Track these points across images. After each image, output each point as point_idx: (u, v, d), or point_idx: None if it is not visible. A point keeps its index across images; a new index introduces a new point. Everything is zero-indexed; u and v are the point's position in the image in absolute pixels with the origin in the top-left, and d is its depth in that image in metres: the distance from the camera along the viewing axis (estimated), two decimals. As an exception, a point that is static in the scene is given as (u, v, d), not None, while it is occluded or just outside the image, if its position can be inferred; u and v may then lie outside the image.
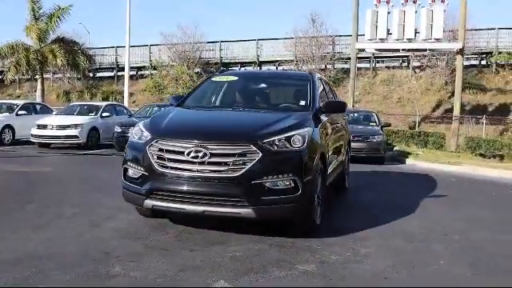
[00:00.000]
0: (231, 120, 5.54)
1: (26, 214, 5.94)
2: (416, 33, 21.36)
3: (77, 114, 15.80)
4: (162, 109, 14.22)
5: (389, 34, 21.83)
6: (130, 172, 5.19)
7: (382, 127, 14.53)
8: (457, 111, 20.94)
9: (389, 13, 21.56)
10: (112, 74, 33.33)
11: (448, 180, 10.29)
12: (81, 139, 14.51)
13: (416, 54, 26.63)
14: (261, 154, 4.70)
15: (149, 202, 4.99)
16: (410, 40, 21.49)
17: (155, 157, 4.95)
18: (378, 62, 30.26)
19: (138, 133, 5.31)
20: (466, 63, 28.47)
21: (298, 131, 4.99)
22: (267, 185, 4.73)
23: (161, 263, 4.18)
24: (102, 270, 3.97)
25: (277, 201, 4.76)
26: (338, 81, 28.90)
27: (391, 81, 28.61)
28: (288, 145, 4.86)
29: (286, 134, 4.90)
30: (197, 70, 30.04)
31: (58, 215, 5.87)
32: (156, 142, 4.98)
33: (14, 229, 5.16)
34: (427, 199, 7.62)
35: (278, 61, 29.90)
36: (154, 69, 31.17)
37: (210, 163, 4.74)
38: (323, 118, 5.91)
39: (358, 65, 30.82)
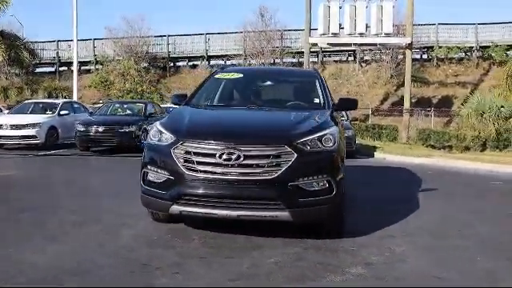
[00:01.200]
0: (259, 120, 5.37)
1: (27, 224, 5.50)
2: (367, 27, 21.84)
3: (31, 113, 14.88)
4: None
5: (341, 28, 22.19)
6: (152, 176, 4.92)
7: (350, 121, 14.74)
8: (407, 104, 21.61)
9: (340, 7, 21.85)
10: (53, 69, 31.85)
11: (426, 173, 10.58)
12: (39, 139, 13.69)
13: (364, 48, 27.27)
14: (296, 155, 4.59)
15: (176, 208, 4.74)
16: (361, 35, 21.92)
17: (181, 160, 4.71)
18: (325, 55, 30.73)
19: (157, 134, 5.05)
20: (414, 56, 29.54)
21: (327, 131, 4.91)
22: (303, 186, 4.63)
23: (209, 273, 3.99)
24: (153, 284, 3.73)
25: (313, 202, 4.66)
26: (287, 75, 29.06)
27: (339, 75, 29.13)
28: (320, 145, 4.78)
29: (318, 134, 4.81)
30: (144, 64, 29.29)
31: (63, 223, 5.48)
32: (181, 144, 4.74)
33: (26, 242, 4.76)
34: (421, 194, 7.77)
35: (227, 55, 29.68)
36: (99, 64, 30.06)
37: (243, 165, 4.57)
38: (336, 115, 5.87)
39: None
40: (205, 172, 4.63)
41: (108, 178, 9.27)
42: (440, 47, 28.56)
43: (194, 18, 54.49)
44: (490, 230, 5.78)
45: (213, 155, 4.61)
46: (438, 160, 13.26)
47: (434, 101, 26.41)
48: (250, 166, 4.57)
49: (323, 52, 29.84)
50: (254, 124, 5.25)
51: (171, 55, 30.12)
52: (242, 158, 4.55)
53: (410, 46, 21.94)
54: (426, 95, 26.85)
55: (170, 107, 14.13)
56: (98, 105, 20.20)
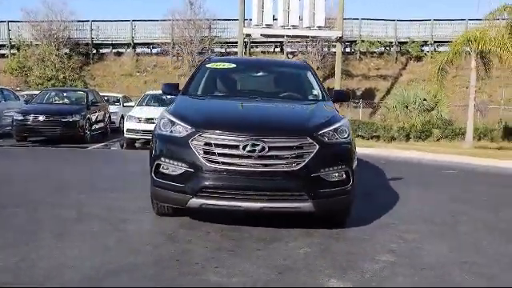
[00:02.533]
0: (275, 112, 5.33)
1: (24, 221, 5.09)
2: (300, 20, 22.25)
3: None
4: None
5: (274, 19, 22.42)
6: (166, 169, 4.76)
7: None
8: (338, 96, 22.35)
9: (274, -1, 22.10)
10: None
11: (380, 162, 11.02)
12: (-32, 129, 12.64)
13: (292, 40, 27.74)
14: (318, 147, 4.63)
15: (196, 201, 4.62)
16: (294, 27, 22.28)
17: (201, 151, 4.59)
18: (252, 46, 30.89)
19: (168, 125, 4.88)
20: (334, 50, 30.47)
21: (341, 122, 5.00)
22: (324, 177, 4.69)
23: (249, 266, 3.94)
24: (202, 280, 3.62)
25: (333, 193, 4.74)
26: (216, 65, 28.93)
27: (267, 66, 29.39)
28: (337, 136, 4.85)
29: (334, 126, 4.88)
30: (66, 50, 27.79)
31: (63, 220, 5.14)
32: (200, 135, 4.62)
33: (36, 240, 4.40)
34: (392, 182, 8.11)
35: (154, 43, 28.97)
36: (15, 48, 28.09)
37: (267, 157, 4.54)
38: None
39: (234, 49, 31.26)
40: (227, 164, 4.55)
41: (74, 170, 8.79)
42: (363, 41, 29.72)
43: (119, 3, 52.11)
44: (480, 215, 6.15)
45: (236, 147, 4.54)
46: (381, 150, 13.88)
47: (358, 93, 27.51)
48: (274, 157, 4.56)
49: (251, 43, 29.97)
50: (272, 115, 5.21)
51: (95, 41, 28.80)
52: (266, 150, 4.52)
53: (340, 40, 22.69)
54: (351, 87, 27.86)
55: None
56: (23, 92, 18.95)
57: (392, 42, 29.95)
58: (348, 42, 30.50)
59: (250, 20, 23.14)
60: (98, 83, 27.06)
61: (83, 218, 5.28)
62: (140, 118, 12.99)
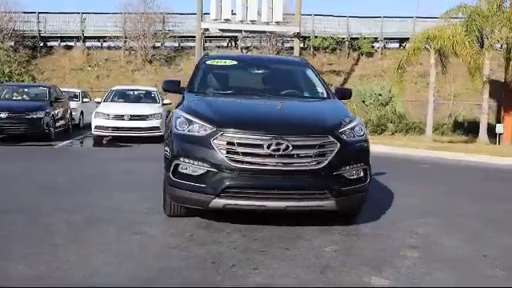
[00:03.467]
0: (294, 110, 5.32)
1: (23, 228, 4.81)
2: (258, 15, 22.28)
3: None
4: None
5: (233, 14, 22.33)
6: (186, 169, 4.65)
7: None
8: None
9: (232, -7, 22.01)
10: None
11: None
12: None
13: (247, 35, 27.72)
14: (339, 145, 4.67)
15: (219, 202, 4.54)
16: (253, 22, 22.31)
17: (224, 151, 4.52)
18: (206, 41, 30.59)
19: (185, 123, 4.76)
20: (287, 45, 30.75)
21: (357, 121, 5.07)
22: (345, 175, 4.74)
23: (287, 266, 3.92)
24: (249, 282, 3.57)
25: (353, 190, 4.80)
26: (170, 59, 28.55)
27: (222, 60, 29.22)
28: (354, 134, 4.90)
29: (351, 124, 4.94)
30: (11, 43, 26.47)
31: (71, 224, 4.91)
32: (222, 134, 4.54)
33: (54, 248, 4.18)
34: (377, 177, 8.27)
35: (105, 37, 28.09)
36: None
37: (291, 156, 4.54)
38: None
39: (188, 44, 30.92)
40: (251, 163, 4.51)
41: (54, 170, 8.41)
42: (316, 37, 30.08)
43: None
44: (474, 208, 6.37)
45: (260, 146, 4.50)
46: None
47: (313, 88, 27.83)
48: (297, 156, 4.55)
49: (205, 37, 29.67)
50: (292, 114, 5.18)
51: (42, 34, 27.52)
52: (290, 148, 4.50)
53: (298, 35, 22.90)
54: (305, 82, 28.21)
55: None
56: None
57: (344, 38, 30.49)
58: (302, 37, 30.80)
59: (208, 14, 22.94)
60: (47, 78, 25.96)
61: (92, 221, 5.05)
62: (109, 115, 12.60)
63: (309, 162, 4.56)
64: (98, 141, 13.17)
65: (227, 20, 22.10)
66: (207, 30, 23.67)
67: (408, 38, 30.47)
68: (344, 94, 6.19)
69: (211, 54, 7.22)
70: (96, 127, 12.73)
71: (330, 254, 4.28)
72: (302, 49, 30.75)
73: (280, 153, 4.48)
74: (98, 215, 5.27)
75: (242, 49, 30.12)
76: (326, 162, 4.58)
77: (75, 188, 6.74)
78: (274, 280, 3.63)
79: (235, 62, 6.37)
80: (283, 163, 4.52)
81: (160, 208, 5.44)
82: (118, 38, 27.89)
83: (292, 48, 30.37)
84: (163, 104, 14.25)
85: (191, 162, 4.61)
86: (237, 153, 4.51)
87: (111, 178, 7.79)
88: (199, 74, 6.01)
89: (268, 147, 4.47)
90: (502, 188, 8.36)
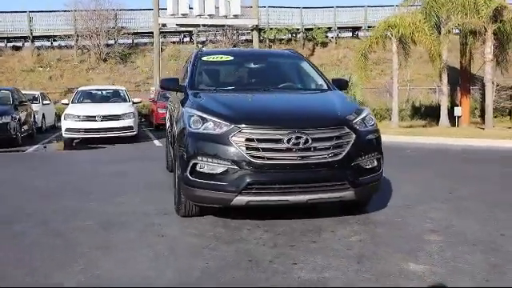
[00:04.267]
0: (307, 104, 5.32)
1: (37, 238, 4.56)
2: (216, 8, 22.13)
3: None
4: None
5: (190, 8, 22.10)
6: (204, 167, 4.57)
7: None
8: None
9: (189, -12, 21.77)
10: None
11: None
12: None
13: (202, 29, 27.51)
14: (354, 136, 4.71)
15: (242, 199, 4.50)
16: (211, 16, 22.17)
17: (243, 147, 4.47)
18: (161, 36, 30.13)
19: (199, 122, 4.69)
20: (243, 38, 30.72)
21: (367, 111, 5.12)
22: (362, 165, 4.79)
23: (323, 259, 3.91)
24: (295, 278, 3.56)
25: (370, 180, 4.86)
26: (125, 57, 27.97)
27: (178, 56, 28.92)
28: (366, 125, 4.95)
29: (363, 115, 4.98)
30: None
31: (87, 230, 4.72)
32: (240, 131, 4.49)
33: (82, 256, 4.00)
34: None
35: (55, 36, 27.20)
36: None
37: (310, 149, 4.54)
38: None
39: (142, 40, 30.38)
40: (271, 158, 4.48)
41: (39, 175, 8.07)
42: (271, 29, 30.17)
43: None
44: (471, 190, 6.55)
45: (279, 140, 4.48)
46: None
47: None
48: (316, 148, 4.56)
49: (161, 33, 29.24)
50: (306, 107, 5.18)
51: (-14, 34, 26.44)
52: (310, 142, 4.50)
53: (256, 28, 22.90)
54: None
55: None
56: None
57: (299, 29, 30.78)
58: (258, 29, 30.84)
59: (165, 10, 22.56)
60: (-4, 80, 24.91)
61: (107, 226, 4.88)
62: (80, 116, 12.21)
63: (327, 154, 4.57)
64: (68, 143, 12.71)
65: (185, 15, 21.88)
66: (165, 25, 23.36)
67: (360, 27, 31.29)
68: (341, 84, 6.23)
69: (204, 49, 7.07)
70: (67, 130, 12.29)
71: (357, 243, 4.31)
72: (259, 41, 30.88)
73: (300, 146, 4.48)
74: (109, 220, 5.09)
75: (197, 43, 29.87)
76: (344, 153, 4.61)
77: (73, 193, 6.49)
78: (316, 274, 3.62)
79: (231, 58, 6.31)
80: (302, 157, 4.52)
81: (167, 209, 5.36)
82: (69, 36, 27.15)
83: (248, 41, 30.41)
84: (133, 103, 13.95)
85: (210, 160, 4.54)
86: (257, 149, 4.47)
87: (105, 180, 7.54)
88: (197, 70, 5.89)
89: (288, 141, 4.46)
90: (487, 170, 8.62)
